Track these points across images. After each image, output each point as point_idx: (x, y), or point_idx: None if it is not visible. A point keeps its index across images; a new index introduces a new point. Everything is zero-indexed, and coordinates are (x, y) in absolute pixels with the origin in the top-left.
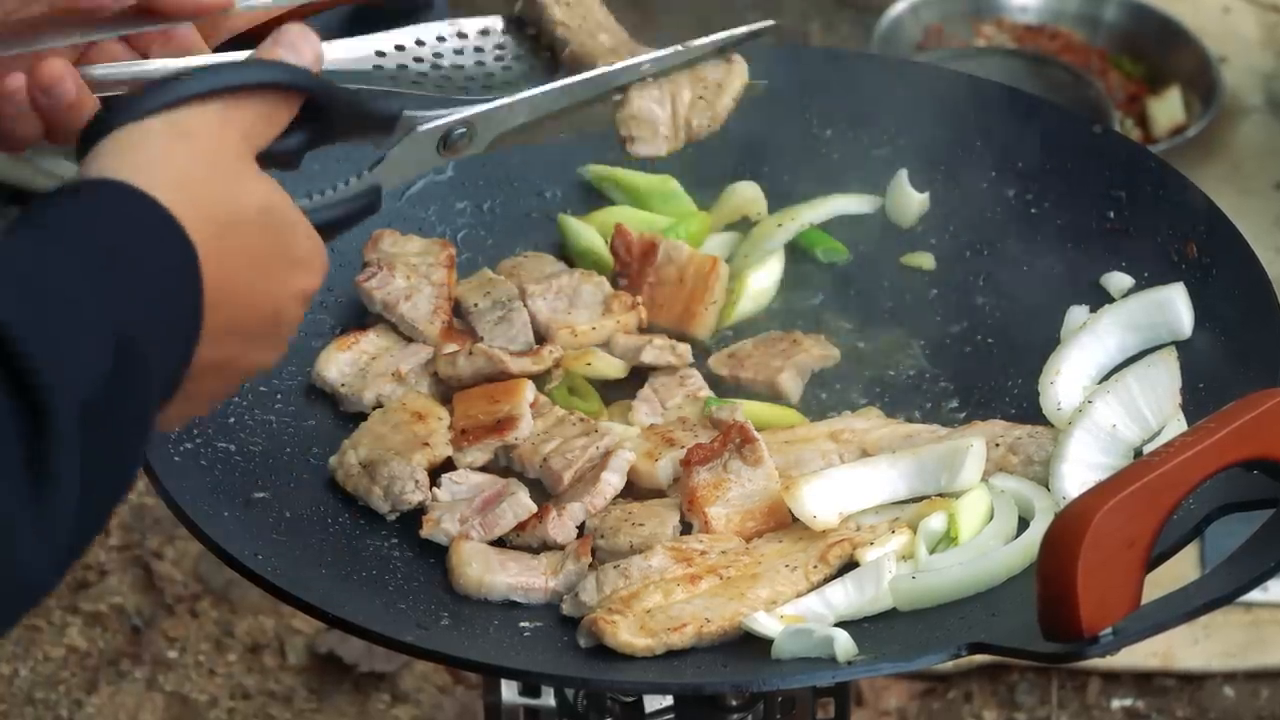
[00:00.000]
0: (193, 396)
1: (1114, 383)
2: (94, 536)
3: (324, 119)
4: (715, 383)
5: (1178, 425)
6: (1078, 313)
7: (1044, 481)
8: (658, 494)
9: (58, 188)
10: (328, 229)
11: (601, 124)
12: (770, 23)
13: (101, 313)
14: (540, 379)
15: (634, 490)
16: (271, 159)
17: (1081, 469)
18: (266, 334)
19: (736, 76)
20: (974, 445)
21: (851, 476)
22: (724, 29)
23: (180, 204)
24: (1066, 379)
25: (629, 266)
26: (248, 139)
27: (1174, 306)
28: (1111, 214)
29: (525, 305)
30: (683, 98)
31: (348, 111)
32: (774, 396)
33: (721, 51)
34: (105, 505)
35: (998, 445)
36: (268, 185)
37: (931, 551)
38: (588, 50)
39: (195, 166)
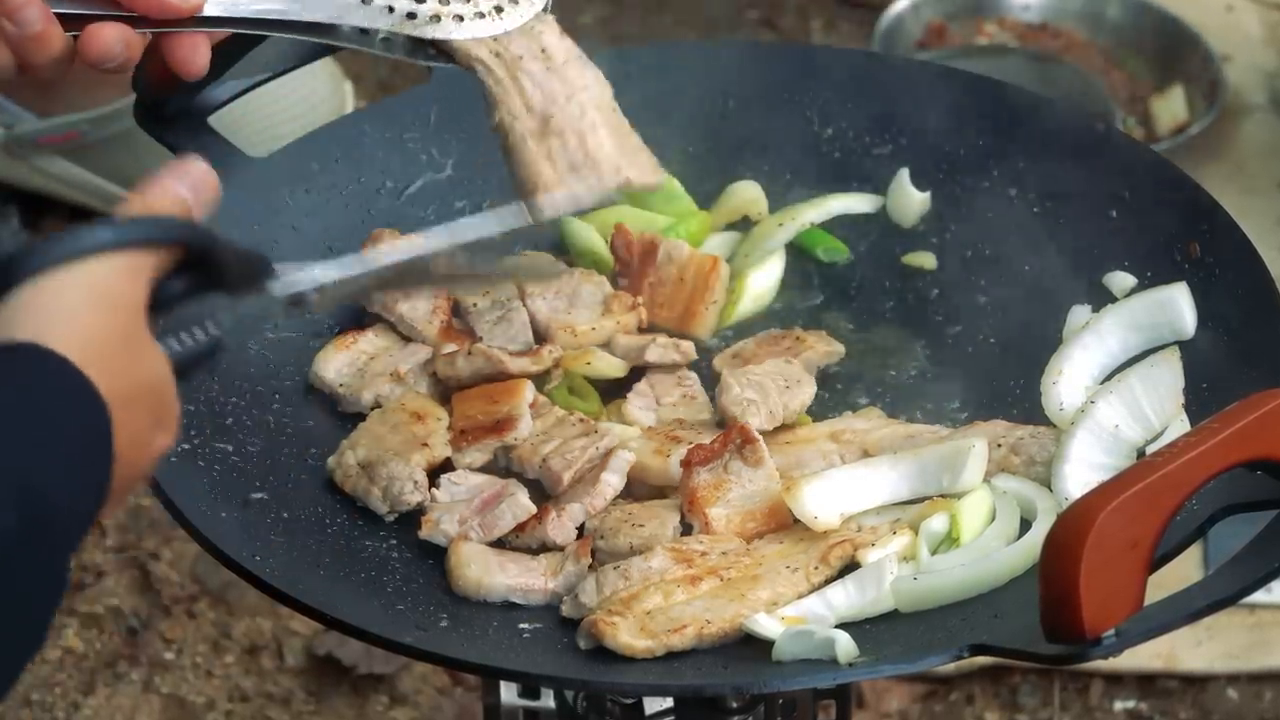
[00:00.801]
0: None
1: (1116, 383)
2: (4, 691)
3: (205, 271)
4: (716, 382)
5: (1181, 425)
6: (1080, 312)
7: (1046, 482)
8: (658, 495)
9: None
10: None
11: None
12: (529, 223)
13: (16, 474)
14: (540, 379)
15: (634, 491)
16: (150, 304)
17: (1084, 469)
18: (131, 490)
19: None
20: (976, 446)
21: (852, 477)
22: (725, 27)
23: (94, 369)
24: (1069, 379)
25: (629, 266)
26: (146, 295)
27: (1177, 306)
28: (1114, 213)
29: (525, 305)
30: None
31: (228, 267)
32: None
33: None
34: (15, 661)
35: (999, 445)
36: (158, 355)
37: (933, 552)
38: (509, 124)
39: (107, 332)
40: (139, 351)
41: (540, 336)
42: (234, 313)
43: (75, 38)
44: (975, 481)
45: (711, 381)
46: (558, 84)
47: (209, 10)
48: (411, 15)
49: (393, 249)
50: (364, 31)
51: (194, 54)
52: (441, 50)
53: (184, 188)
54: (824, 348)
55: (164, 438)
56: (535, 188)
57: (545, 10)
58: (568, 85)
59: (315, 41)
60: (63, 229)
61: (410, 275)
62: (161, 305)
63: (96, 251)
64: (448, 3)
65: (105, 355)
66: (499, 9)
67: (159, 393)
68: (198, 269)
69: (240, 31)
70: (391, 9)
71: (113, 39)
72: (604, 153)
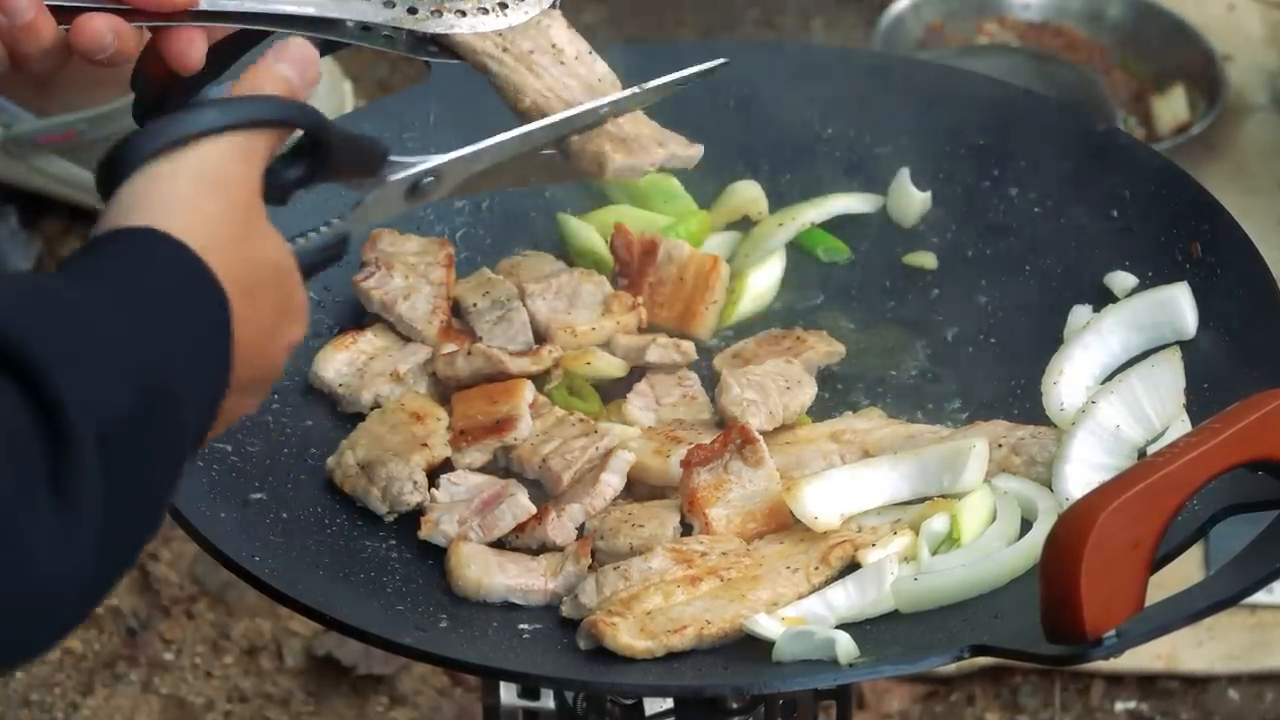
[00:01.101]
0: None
1: (1117, 383)
2: (121, 570)
3: (319, 156)
4: (716, 382)
5: (1182, 426)
6: (1081, 312)
7: (1047, 482)
8: (658, 495)
9: (96, 236)
10: (304, 274)
11: (571, 176)
12: (723, 60)
13: (134, 353)
14: (540, 379)
15: (634, 491)
16: (266, 193)
17: (1085, 470)
18: (262, 385)
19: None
20: (976, 446)
21: (853, 477)
22: (724, 26)
23: (213, 256)
24: (1069, 379)
25: (629, 265)
26: (260, 177)
27: (1178, 306)
28: (1115, 213)
29: (525, 305)
30: None
31: (342, 151)
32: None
33: (678, 87)
34: (131, 537)
35: (1000, 446)
36: (279, 241)
37: (934, 553)
38: (545, 103)
39: (224, 218)
40: (257, 237)
41: (540, 336)
42: (356, 204)
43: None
44: (976, 482)
45: (711, 382)
46: (573, 78)
47: (205, 4)
48: (412, 10)
49: (508, 133)
50: (366, 28)
51: (189, 48)
52: (444, 47)
53: (288, 68)
54: (825, 348)
55: (293, 328)
56: (601, 154)
57: (553, 6)
58: (583, 79)
59: (316, 37)
60: (65, 228)
61: (524, 158)
62: (277, 192)
63: (207, 133)
64: None
65: (222, 241)
66: (503, 5)
67: (282, 280)
68: (311, 153)
69: (238, 26)
70: (392, 3)
71: (103, 29)
72: (642, 131)
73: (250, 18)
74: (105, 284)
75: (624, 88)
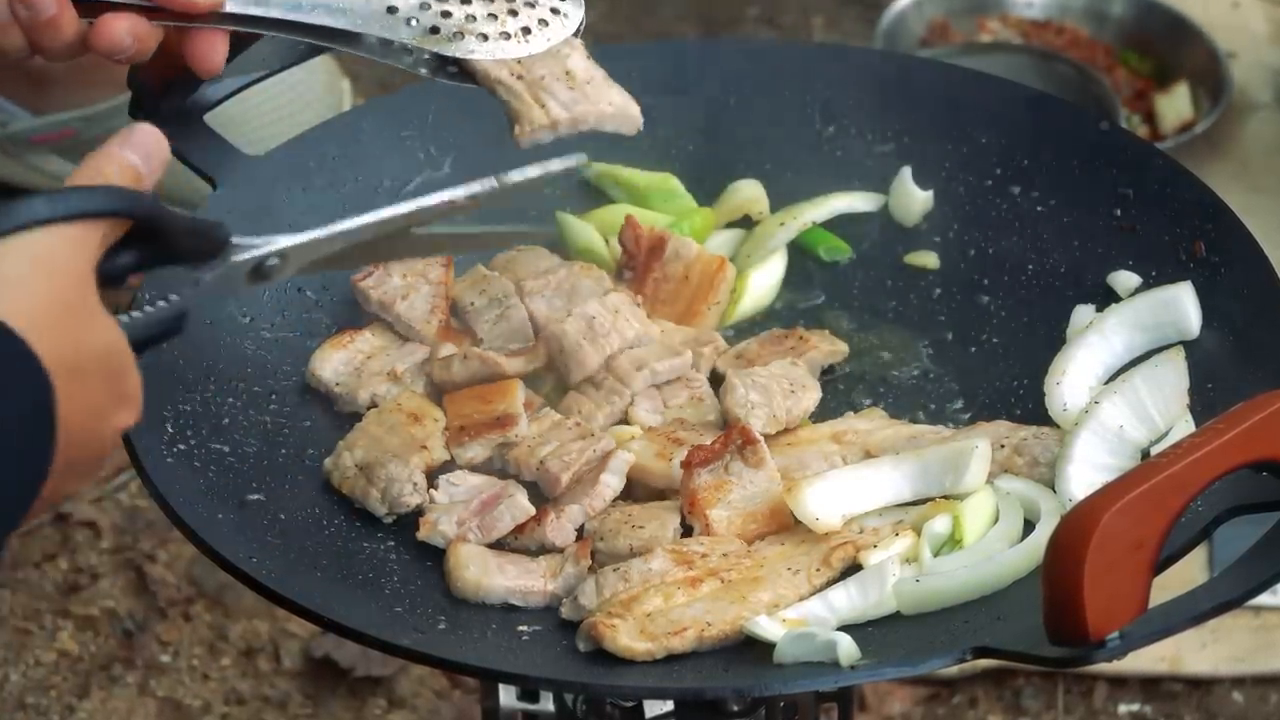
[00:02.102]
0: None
1: (1120, 383)
2: None
3: (156, 242)
4: (720, 382)
5: (1186, 426)
6: (1083, 312)
7: (1050, 483)
8: (658, 496)
9: None
10: (138, 348)
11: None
12: (581, 157)
13: None
14: (537, 380)
15: (634, 492)
16: (100, 278)
17: (1088, 471)
18: (90, 468)
19: None
20: (979, 447)
21: (854, 478)
22: (725, 24)
23: (38, 337)
24: (1072, 379)
25: (636, 259)
26: (93, 266)
27: (1181, 305)
28: (1118, 212)
29: (523, 303)
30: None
31: (181, 239)
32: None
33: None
34: None
35: (1003, 446)
36: (110, 325)
37: (936, 554)
38: (529, 118)
39: (53, 302)
40: (87, 319)
41: (540, 334)
42: (194, 284)
43: (90, 24)
44: (978, 483)
45: (715, 381)
46: (583, 102)
47: (232, 6)
48: (434, 30)
49: (357, 217)
50: (387, 44)
51: (212, 51)
52: (464, 70)
53: (134, 155)
54: (827, 347)
55: (124, 412)
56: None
57: (576, 35)
58: (593, 102)
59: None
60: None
61: (374, 241)
62: (114, 278)
63: (38, 223)
64: (473, 21)
65: (49, 323)
66: (526, 31)
67: (113, 363)
68: (149, 240)
69: (265, 32)
70: (413, 21)
71: (122, 31)
72: (594, 75)
73: (276, 24)
74: None
75: (639, 112)
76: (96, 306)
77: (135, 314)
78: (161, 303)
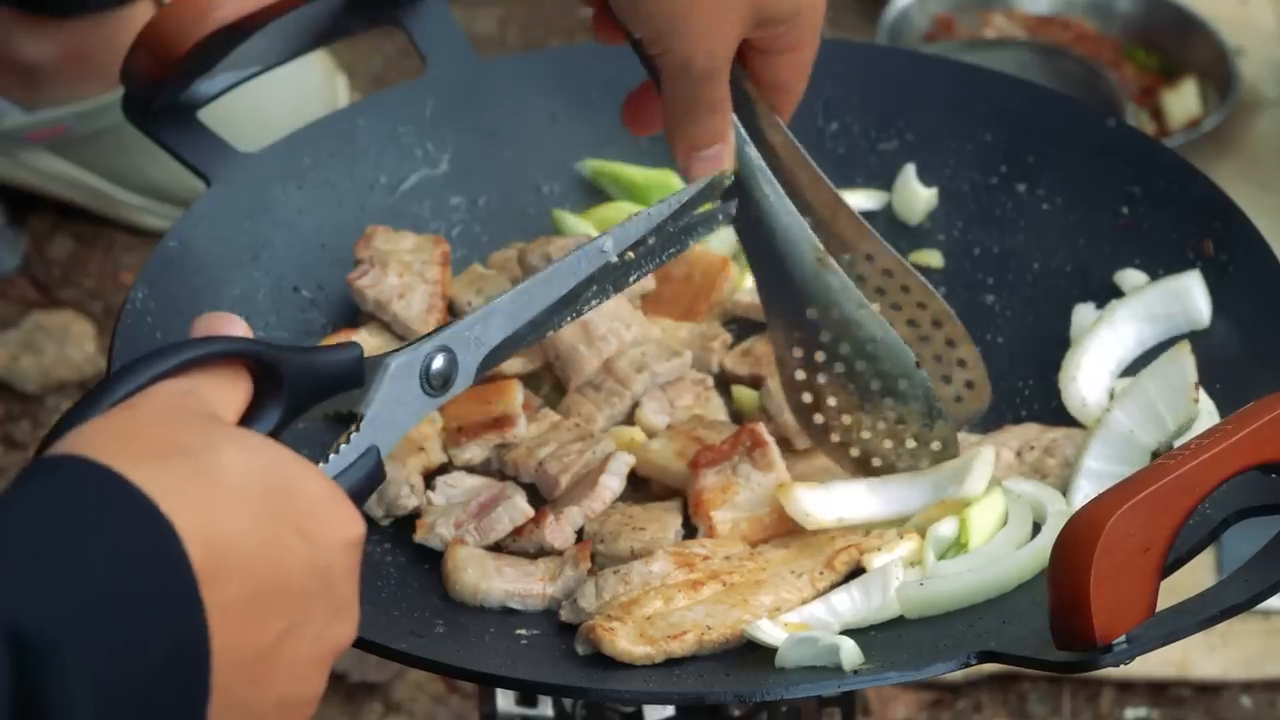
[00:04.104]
0: (246, 705)
1: (1130, 386)
2: None
3: (285, 385)
4: (725, 381)
5: (1209, 419)
6: (1084, 311)
7: None
8: (658, 498)
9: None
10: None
11: None
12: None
13: None
14: (534, 381)
15: (634, 494)
16: None
17: (1100, 482)
18: (316, 596)
19: None
20: (981, 453)
21: (857, 490)
22: None
23: (147, 476)
24: (1087, 374)
25: None
26: (213, 406)
27: (1191, 295)
28: (1125, 210)
29: None
30: None
31: (304, 369)
32: None
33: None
34: None
35: (1032, 448)
36: (247, 434)
37: (941, 557)
38: None
39: (157, 429)
40: (206, 435)
41: None
42: (367, 419)
43: None
44: (980, 488)
45: (718, 381)
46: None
47: None
48: None
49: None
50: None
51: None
52: None
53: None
54: None
55: (334, 526)
56: None
57: None
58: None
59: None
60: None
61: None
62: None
63: (140, 388)
64: None
65: (163, 458)
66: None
67: (264, 479)
68: (279, 389)
69: None
70: None
71: None
72: None
73: None
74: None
75: None
76: (219, 422)
77: (333, 457)
78: (343, 446)
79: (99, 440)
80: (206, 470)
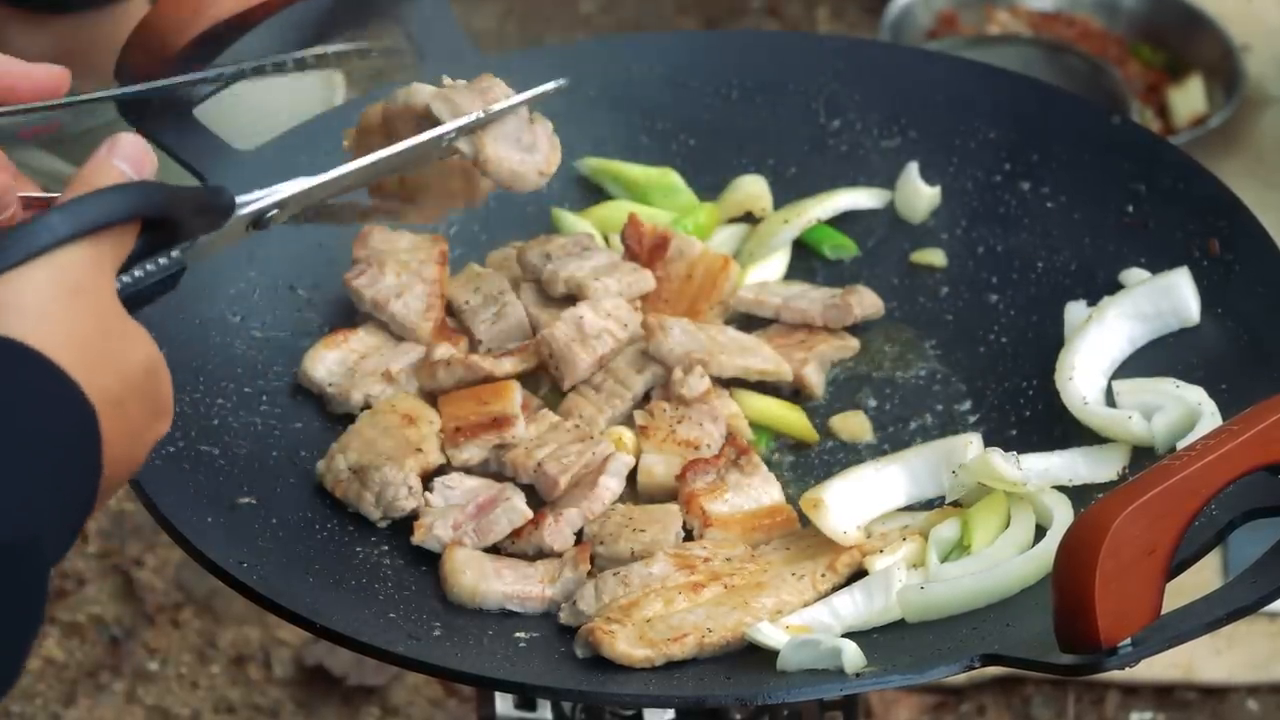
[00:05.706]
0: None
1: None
2: None
3: (165, 227)
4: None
5: (1212, 420)
6: (1076, 309)
7: None
8: (658, 499)
9: None
10: (131, 306)
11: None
12: (562, 82)
13: None
14: (532, 382)
15: (634, 495)
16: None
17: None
18: (123, 483)
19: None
20: (973, 442)
21: (866, 480)
22: (728, 16)
23: (80, 371)
24: (1083, 373)
25: (638, 258)
26: (114, 277)
27: (1180, 292)
28: (1130, 208)
29: (519, 299)
30: None
31: (191, 219)
32: (796, 391)
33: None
34: None
35: None
36: (144, 337)
37: (944, 559)
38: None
39: (89, 328)
40: (121, 339)
41: (536, 330)
42: (193, 241)
43: None
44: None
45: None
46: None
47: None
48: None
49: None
50: None
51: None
52: None
53: (124, 163)
54: (837, 342)
55: (160, 424)
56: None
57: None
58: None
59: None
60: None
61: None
62: (126, 267)
63: (59, 243)
64: None
65: (87, 351)
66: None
67: (151, 381)
68: (158, 228)
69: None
70: None
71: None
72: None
73: None
74: None
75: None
76: (127, 322)
77: (136, 272)
78: (162, 260)
79: (42, 327)
80: (120, 377)
